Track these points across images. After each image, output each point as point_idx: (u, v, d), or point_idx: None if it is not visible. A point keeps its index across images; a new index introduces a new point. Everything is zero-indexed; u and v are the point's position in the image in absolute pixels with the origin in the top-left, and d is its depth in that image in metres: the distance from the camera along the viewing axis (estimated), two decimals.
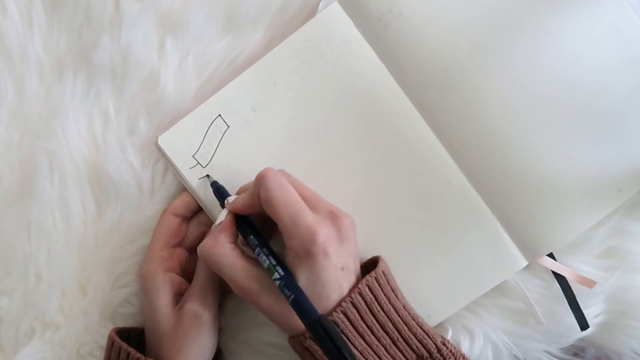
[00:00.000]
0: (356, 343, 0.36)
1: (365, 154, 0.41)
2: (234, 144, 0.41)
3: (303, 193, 0.36)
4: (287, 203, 0.35)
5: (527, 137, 0.41)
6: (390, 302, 0.37)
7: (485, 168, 0.41)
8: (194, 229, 0.42)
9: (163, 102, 0.42)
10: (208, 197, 0.41)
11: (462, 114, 0.40)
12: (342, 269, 0.36)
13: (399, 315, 0.37)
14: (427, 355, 0.36)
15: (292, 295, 0.33)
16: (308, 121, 0.41)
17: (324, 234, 0.34)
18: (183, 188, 0.42)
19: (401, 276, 0.41)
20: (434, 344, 0.37)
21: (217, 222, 0.37)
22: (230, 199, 0.38)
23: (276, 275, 0.35)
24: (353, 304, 0.36)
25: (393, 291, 0.38)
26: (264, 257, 0.35)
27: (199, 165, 0.40)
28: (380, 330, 0.36)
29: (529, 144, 0.41)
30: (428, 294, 0.42)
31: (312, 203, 0.36)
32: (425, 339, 0.37)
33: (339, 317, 0.35)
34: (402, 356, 0.36)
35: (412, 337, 0.36)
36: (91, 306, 0.42)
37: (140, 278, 0.40)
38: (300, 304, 0.33)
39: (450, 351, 0.37)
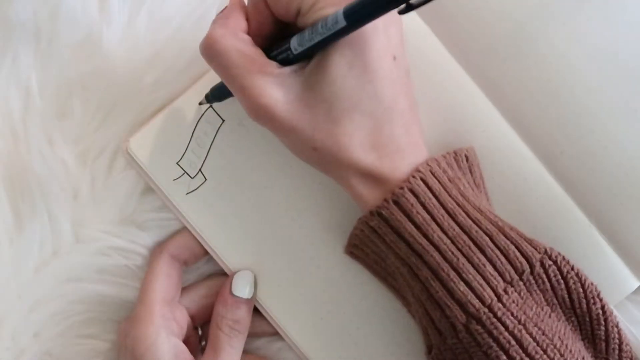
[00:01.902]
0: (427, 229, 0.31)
1: None
2: (232, 143, 0.39)
3: None
4: None
5: (623, 115, 0.39)
6: (479, 189, 0.34)
7: (574, 160, 0.39)
8: (195, 296, 0.39)
9: (105, 73, 0.39)
10: (203, 221, 0.38)
11: (534, 88, 0.39)
12: (395, 58, 0.32)
13: (481, 212, 0.32)
14: (528, 268, 0.32)
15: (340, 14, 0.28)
16: None
17: None
18: (143, 192, 0.40)
19: None
20: (538, 253, 0.32)
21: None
22: None
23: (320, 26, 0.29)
24: (434, 172, 0.32)
25: (482, 180, 0.35)
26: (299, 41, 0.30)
27: (186, 175, 0.39)
28: (457, 224, 0.32)
29: (626, 124, 0.39)
30: None
31: None
32: (528, 244, 0.32)
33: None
34: (513, 247, 0.31)
35: (512, 236, 0.32)
36: None
37: (132, 341, 0.37)
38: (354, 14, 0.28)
39: (556, 263, 0.32)
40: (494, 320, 0.30)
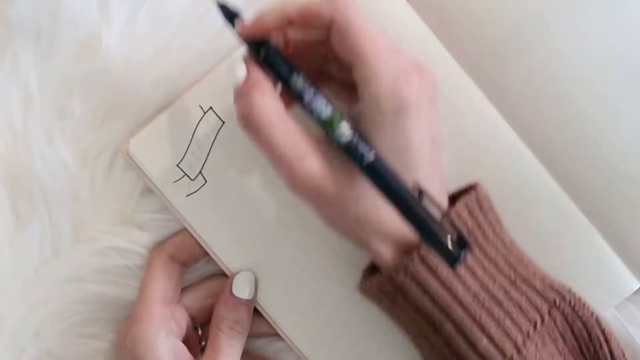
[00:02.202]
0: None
1: None
2: (233, 145, 0.39)
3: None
4: (376, 36, 0.31)
5: (623, 116, 0.39)
6: (495, 232, 0.34)
7: (575, 161, 0.39)
8: (195, 297, 0.40)
9: (106, 74, 0.39)
10: (203, 223, 0.38)
11: (535, 89, 0.39)
12: (433, 139, 0.32)
13: (507, 246, 0.34)
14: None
15: (374, 155, 0.29)
16: None
17: (418, 82, 0.31)
18: (143, 192, 0.40)
19: None
20: (546, 305, 0.33)
21: (233, 81, 0.32)
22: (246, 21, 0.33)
23: (344, 129, 0.30)
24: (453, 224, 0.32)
25: (498, 222, 0.35)
26: (322, 103, 0.30)
27: (187, 177, 0.38)
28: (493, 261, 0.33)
29: (626, 125, 0.39)
30: None
31: (394, 46, 0.32)
32: (547, 279, 0.34)
33: None
34: (524, 299, 0.33)
35: (532, 275, 0.34)
36: None
37: (131, 341, 0.37)
38: (384, 169, 0.29)
39: (563, 315, 0.33)
40: None
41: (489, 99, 0.38)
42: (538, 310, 0.32)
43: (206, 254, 0.38)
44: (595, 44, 0.38)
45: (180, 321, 0.37)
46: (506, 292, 0.32)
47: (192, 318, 0.38)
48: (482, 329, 0.31)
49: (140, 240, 0.39)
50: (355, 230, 0.32)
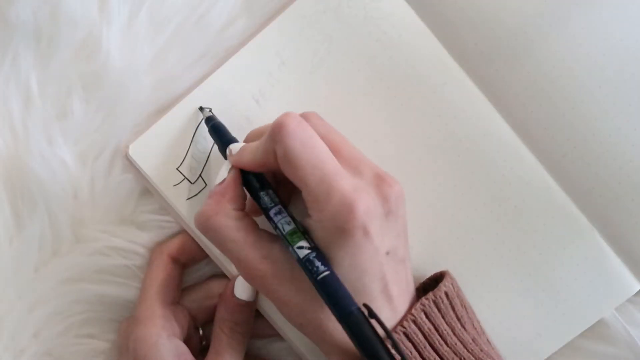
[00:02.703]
0: None
1: (409, 151, 0.40)
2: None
3: (338, 147, 0.34)
4: (316, 165, 0.32)
5: (624, 117, 0.39)
6: (455, 334, 0.34)
7: (575, 162, 0.39)
8: (196, 297, 0.40)
9: (105, 74, 0.39)
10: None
11: (535, 91, 0.39)
12: (388, 253, 0.33)
13: (468, 351, 0.34)
14: None
15: (326, 272, 0.30)
16: (328, 113, 0.38)
17: (365, 204, 0.31)
18: (143, 192, 0.40)
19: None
20: None
21: (218, 179, 0.36)
22: (235, 148, 0.35)
23: (302, 245, 0.32)
24: (406, 334, 0.33)
25: (459, 320, 0.35)
26: (284, 221, 0.33)
27: (187, 181, 0.39)
28: None
29: (626, 126, 0.39)
30: (503, 332, 0.40)
31: (352, 162, 0.34)
32: None
33: None
34: None
35: None
36: None
37: (134, 342, 0.36)
38: (334, 286, 0.30)
39: None
40: None
41: (489, 99, 0.38)
42: None
43: (207, 255, 0.38)
44: (596, 45, 0.38)
45: (182, 322, 0.37)
46: None
47: (193, 318, 0.38)
48: None
49: (140, 240, 0.39)
50: (304, 332, 0.33)
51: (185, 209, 0.38)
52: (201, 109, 0.38)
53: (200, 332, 0.39)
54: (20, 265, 0.39)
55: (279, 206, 0.33)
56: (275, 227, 0.33)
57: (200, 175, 0.38)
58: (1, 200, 0.39)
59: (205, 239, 0.38)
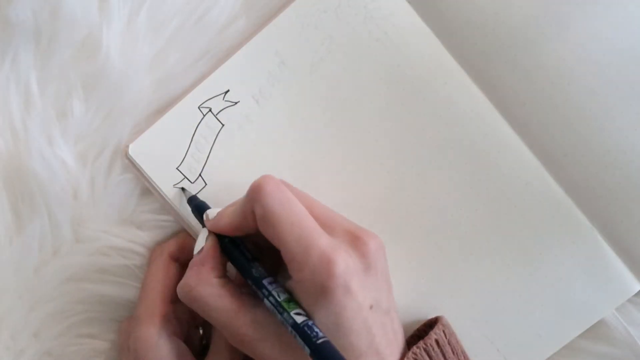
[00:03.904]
0: None
1: (409, 150, 0.39)
2: (231, 148, 0.39)
3: (313, 209, 0.34)
4: (294, 223, 0.32)
5: (624, 117, 0.39)
6: None
7: (576, 163, 0.39)
8: None
9: (105, 74, 0.39)
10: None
11: (536, 91, 0.39)
12: (371, 307, 0.33)
13: None
14: None
15: (325, 338, 0.30)
16: (329, 112, 0.39)
17: (344, 262, 0.32)
18: (143, 192, 0.40)
19: (467, 310, 0.40)
20: None
21: (197, 248, 0.36)
22: (212, 213, 0.36)
23: (300, 311, 0.32)
24: None
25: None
26: (278, 290, 0.33)
27: (186, 180, 0.39)
28: None
29: (627, 126, 0.39)
30: (503, 333, 0.40)
31: (326, 222, 0.34)
32: None
33: None
34: None
35: None
36: None
37: (134, 342, 0.36)
38: (332, 352, 0.30)
39: None
40: None
41: (489, 99, 0.38)
42: None
43: None
44: (597, 45, 0.38)
45: (182, 321, 0.37)
46: None
47: (193, 317, 0.38)
48: None
49: (140, 240, 0.39)
50: None
51: (186, 209, 0.38)
52: (183, 189, 0.38)
53: (201, 331, 0.39)
54: (20, 265, 0.39)
55: (269, 278, 0.33)
56: (269, 294, 0.33)
57: (200, 175, 0.38)
58: (1, 200, 0.38)
59: (194, 222, 0.38)
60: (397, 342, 0.34)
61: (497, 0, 0.38)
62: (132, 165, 0.38)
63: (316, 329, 0.31)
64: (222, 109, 0.38)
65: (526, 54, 0.38)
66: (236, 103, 0.39)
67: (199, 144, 0.38)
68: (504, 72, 0.38)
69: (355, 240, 0.33)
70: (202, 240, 0.36)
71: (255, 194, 0.33)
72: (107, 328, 0.40)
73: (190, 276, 0.34)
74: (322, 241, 0.32)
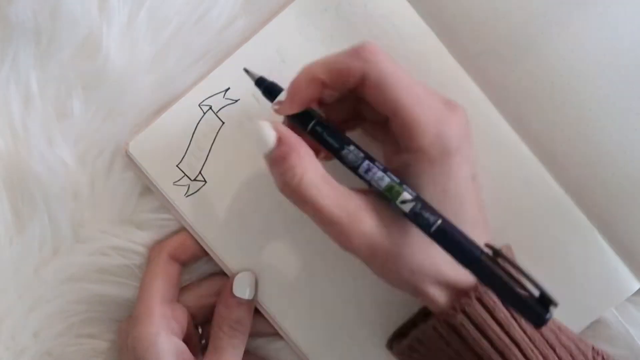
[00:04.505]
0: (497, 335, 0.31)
1: None
2: (232, 146, 0.39)
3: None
4: (408, 86, 0.30)
5: (624, 117, 0.39)
6: None
7: (575, 162, 0.39)
8: (196, 295, 0.39)
9: (105, 74, 0.39)
10: (203, 223, 0.38)
11: (536, 90, 0.39)
12: (473, 177, 0.32)
13: None
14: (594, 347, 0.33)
15: (438, 221, 0.29)
16: None
17: (459, 124, 0.31)
18: (143, 192, 0.40)
19: None
20: (589, 350, 0.33)
21: (266, 141, 0.30)
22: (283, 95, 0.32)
23: (406, 197, 0.30)
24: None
25: None
26: (378, 176, 0.30)
27: (186, 178, 0.38)
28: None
29: (627, 126, 0.39)
30: None
31: (426, 90, 0.31)
32: (579, 341, 0.33)
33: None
34: (573, 345, 0.33)
35: (569, 335, 0.33)
36: None
37: (132, 341, 0.36)
38: (450, 234, 0.29)
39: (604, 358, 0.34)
40: None
41: (489, 99, 0.38)
42: (585, 355, 0.32)
43: (206, 253, 0.38)
44: (597, 44, 0.38)
45: (181, 320, 0.37)
46: (557, 337, 0.32)
47: (192, 317, 0.38)
48: None
49: (139, 240, 0.39)
50: (411, 281, 0.31)
51: (185, 206, 0.38)
52: (247, 71, 0.35)
53: (200, 330, 0.39)
54: (20, 265, 0.38)
55: (368, 158, 0.30)
56: (369, 183, 0.30)
57: (200, 172, 0.38)
58: (1, 200, 0.38)
59: (205, 237, 0.38)
60: (486, 219, 0.34)
61: (496, 0, 0.38)
62: (132, 163, 0.38)
63: (426, 215, 0.29)
64: (223, 107, 0.38)
65: (526, 53, 0.38)
66: (237, 101, 0.39)
67: (199, 142, 0.38)
68: (503, 70, 0.38)
69: (453, 107, 0.32)
70: (267, 136, 0.30)
71: (369, 54, 0.30)
72: (107, 328, 0.40)
73: (282, 172, 0.30)
74: (437, 100, 0.30)
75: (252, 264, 0.38)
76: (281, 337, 0.39)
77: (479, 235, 0.30)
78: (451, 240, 0.29)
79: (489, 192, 0.38)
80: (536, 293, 0.28)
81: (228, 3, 0.38)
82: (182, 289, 0.39)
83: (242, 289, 0.37)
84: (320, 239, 0.38)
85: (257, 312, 0.38)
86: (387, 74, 0.30)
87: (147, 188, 0.39)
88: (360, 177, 0.30)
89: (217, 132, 0.39)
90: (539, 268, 0.38)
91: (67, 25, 0.38)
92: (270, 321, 0.38)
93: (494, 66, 0.38)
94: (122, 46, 0.38)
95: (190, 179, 0.39)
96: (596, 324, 0.39)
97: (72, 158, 0.38)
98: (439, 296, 0.31)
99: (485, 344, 0.31)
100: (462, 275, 0.31)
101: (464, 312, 0.30)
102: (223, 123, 0.38)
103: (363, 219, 0.30)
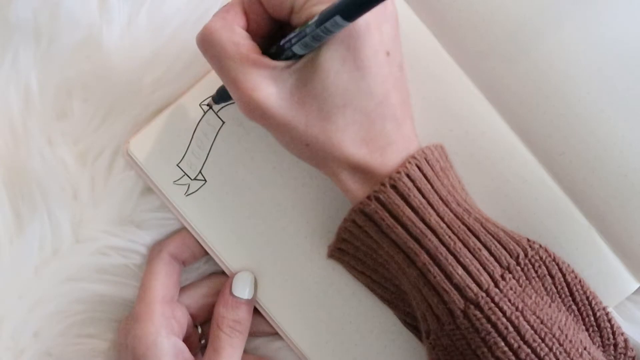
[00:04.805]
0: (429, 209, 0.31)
1: None
2: (232, 145, 0.39)
3: None
4: None
5: (623, 116, 0.38)
6: (461, 185, 0.34)
7: (573, 161, 0.39)
8: (195, 295, 0.39)
9: (105, 73, 0.39)
10: (203, 222, 0.38)
11: (533, 89, 0.38)
12: (388, 53, 0.31)
13: (467, 203, 0.33)
14: (521, 252, 0.32)
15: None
16: None
17: None
18: (143, 192, 0.40)
19: None
20: (524, 239, 0.33)
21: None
22: None
23: (312, 21, 0.29)
24: (418, 166, 0.31)
25: (460, 180, 0.35)
26: (297, 33, 0.30)
27: (186, 177, 0.38)
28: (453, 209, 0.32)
29: (626, 126, 0.38)
30: None
31: None
32: (511, 234, 0.32)
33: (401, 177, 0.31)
34: (502, 233, 0.32)
35: (499, 225, 0.33)
36: None
37: (132, 340, 0.36)
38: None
39: (544, 249, 0.33)
40: (492, 305, 0.30)
41: (488, 99, 0.38)
42: (518, 243, 0.31)
43: (206, 253, 0.38)
44: (593, 44, 0.38)
45: (181, 319, 0.37)
46: (482, 225, 0.32)
47: (192, 316, 0.38)
48: (457, 258, 0.30)
49: (139, 240, 0.39)
50: (311, 155, 0.31)
51: (185, 205, 0.38)
52: (209, 105, 0.37)
53: (199, 330, 0.39)
54: (20, 265, 0.38)
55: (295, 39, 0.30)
56: (295, 35, 0.30)
57: (200, 171, 0.38)
58: (1, 200, 0.38)
59: (205, 237, 0.38)
60: (409, 107, 0.33)
61: (493, 0, 0.38)
62: (133, 162, 0.38)
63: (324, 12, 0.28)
64: (223, 107, 0.38)
65: (523, 53, 0.38)
66: None
67: (199, 141, 0.38)
68: (501, 71, 0.38)
69: None
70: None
71: None
72: (107, 328, 0.40)
73: (213, 20, 0.31)
74: None
75: (252, 263, 0.38)
76: (280, 337, 0.39)
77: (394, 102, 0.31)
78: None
79: (488, 193, 0.38)
80: None
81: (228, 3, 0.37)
82: (182, 289, 0.39)
83: (241, 288, 0.37)
84: (320, 239, 0.38)
85: (256, 312, 0.38)
86: None
87: (147, 187, 0.39)
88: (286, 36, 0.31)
89: (218, 132, 0.39)
90: None
91: (67, 25, 0.38)
92: (270, 321, 0.38)
93: (492, 66, 0.38)
94: (122, 46, 0.38)
95: (190, 178, 0.38)
96: None
97: (72, 158, 0.38)
98: (352, 182, 0.32)
99: (400, 230, 0.30)
100: (367, 156, 0.31)
101: (378, 200, 0.30)
102: (223, 122, 0.38)
103: (264, 88, 0.30)
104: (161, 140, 0.39)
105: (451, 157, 0.38)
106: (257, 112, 0.31)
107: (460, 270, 0.30)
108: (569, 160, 0.39)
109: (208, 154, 0.38)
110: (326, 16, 0.28)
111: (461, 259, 0.30)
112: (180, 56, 0.38)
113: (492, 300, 0.29)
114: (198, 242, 0.38)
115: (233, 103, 0.36)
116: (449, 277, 0.30)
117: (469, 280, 0.30)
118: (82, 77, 0.39)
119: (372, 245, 0.32)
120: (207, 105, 0.37)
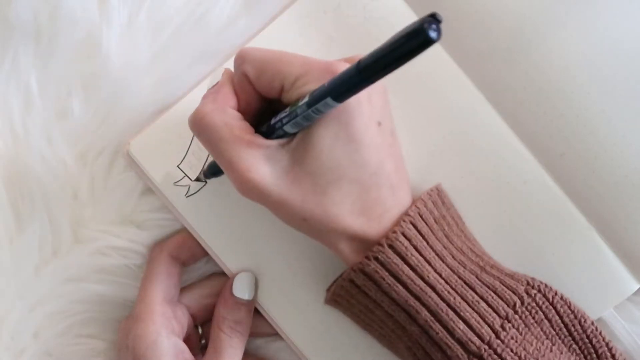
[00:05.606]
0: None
1: (407, 149, 0.38)
2: None
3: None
4: (290, 59, 0.31)
5: (623, 117, 0.38)
6: (458, 226, 0.35)
7: (573, 162, 0.39)
8: (196, 295, 0.39)
9: (106, 74, 0.39)
10: (204, 223, 0.38)
11: (533, 90, 0.39)
12: (379, 123, 0.32)
13: (470, 240, 0.34)
14: (518, 300, 0.32)
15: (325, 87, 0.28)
16: None
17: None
18: (143, 192, 0.39)
19: None
20: (522, 285, 0.33)
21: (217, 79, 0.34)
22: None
23: (303, 101, 0.30)
24: (421, 215, 0.32)
25: (460, 218, 0.36)
26: (288, 113, 0.30)
27: (187, 178, 0.38)
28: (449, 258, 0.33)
29: (626, 126, 0.38)
30: None
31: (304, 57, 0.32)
32: (510, 279, 0.33)
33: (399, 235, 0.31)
34: (498, 283, 0.33)
35: (498, 265, 0.34)
36: None
37: (132, 340, 0.36)
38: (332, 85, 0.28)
39: (541, 293, 0.33)
40: (495, 357, 0.30)
41: (488, 99, 0.38)
42: (514, 291, 0.32)
43: (206, 253, 0.38)
44: (593, 45, 0.38)
45: (181, 320, 0.37)
46: (478, 277, 0.32)
47: (192, 317, 0.38)
48: (458, 313, 0.31)
49: (139, 240, 0.39)
50: (309, 228, 0.32)
51: (186, 207, 0.38)
52: (198, 180, 0.38)
53: (200, 330, 0.39)
54: (20, 265, 0.38)
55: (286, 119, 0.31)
56: (286, 115, 0.31)
57: (201, 171, 0.38)
58: (1, 200, 0.38)
59: (205, 237, 0.38)
60: (404, 172, 0.33)
61: (494, 0, 0.38)
62: (133, 163, 0.38)
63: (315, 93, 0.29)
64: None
65: (523, 54, 0.38)
66: None
67: (199, 143, 0.38)
68: (501, 71, 0.38)
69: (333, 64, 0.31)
70: (217, 79, 0.34)
71: (239, 59, 0.32)
72: (107, 328, 0.40)
73: (203, 104, 0.32)
74: (320, 61, 0.31)
75: (252, 264, 0.38)
76: (281, 338, 0.39)
77: (383, 197, 0.31)
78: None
79: (488, 193, 0.38)
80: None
81: (228, 3, 0.38)
82: (182, 289, 0.39)
83: (241, 289, 0.37)
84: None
85: (257, 312, 0.38)
86: (265, 57, 0.31)
87: (148, 188, 0.39)
88: (276, 116, 0.31)
89: None
90: (538, 268, 0.38)
91: (67, 25, 0.38)
92: (270, 321, 0.38)
93: (492, 67, 0.38)
94: (122, 46, 0.38)
95: (190, 179, 0.38)
96: (595, 323, 0.38)
97: (72, 158, 0.38)
98: (350, 251, 0.32)
99: (400, 289, 0.31)
100: (363, 225, 0.31)
101: (377, 260, 0.31)
102: None
103: (259, 168, 0.30)
104: (162, 142, 0.39)
105: (451, 158, 0.38)
106: (254, 192, 0.31)
107: (461, 325, 0.31)
108: (569, 160, 0.39)
109: (208, 156, 0.38)
110: (317, 98, 0.28)
111: (462, 313, 0.31)
112: (180, 56, 0.38)
113: (495, 352, 0.30)
114: (198, 242, 0.38)
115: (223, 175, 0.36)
116: (451, 332, 0.31)
117: (470, 334, 0.31)
118: (82, 77, 0.39)
119: (368, 306, 0.33)
120: (197, 179, 0.38)
